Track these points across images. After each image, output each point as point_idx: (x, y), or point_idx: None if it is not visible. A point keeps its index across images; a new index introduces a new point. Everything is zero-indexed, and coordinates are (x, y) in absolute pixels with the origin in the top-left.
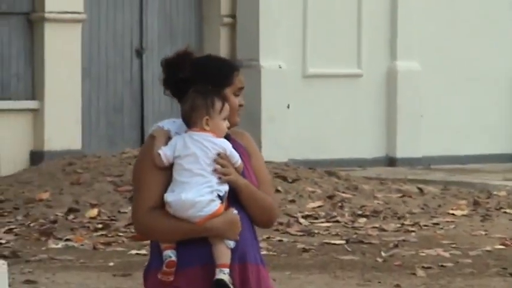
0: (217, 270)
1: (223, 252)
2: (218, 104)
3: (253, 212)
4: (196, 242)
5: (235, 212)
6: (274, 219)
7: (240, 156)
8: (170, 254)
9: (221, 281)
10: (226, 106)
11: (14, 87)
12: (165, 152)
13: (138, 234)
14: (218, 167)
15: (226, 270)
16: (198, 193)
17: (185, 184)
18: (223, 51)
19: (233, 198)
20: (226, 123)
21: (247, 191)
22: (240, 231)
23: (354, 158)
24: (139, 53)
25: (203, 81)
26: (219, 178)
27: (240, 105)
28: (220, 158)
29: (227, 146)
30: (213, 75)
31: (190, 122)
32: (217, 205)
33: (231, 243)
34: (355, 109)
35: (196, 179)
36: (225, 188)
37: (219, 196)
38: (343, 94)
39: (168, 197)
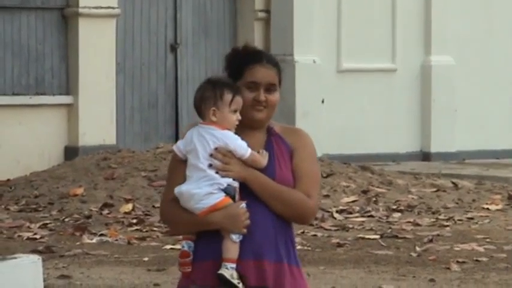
0: (222, 264)
1: (229, 246)
2: (227, 96)
3: (274, 206)
4: (211, 236)
5: (243, 205)
6: (306, 215)
7: (272, 151)
8: (184, 245)
9: (220, 275)
10: (237, 98)
11: (49, 82)
12: (178, 146)
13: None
14: (215, 161)
15: (231, 265)
16: (196, 185)
17: (190, 178)
18: (257, 46)
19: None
20: (237, 116)
21: (258, 184)
22: (257, 226)
23: (388, 152)
24: (173, 48)
25: (224, 69)
26: (217, 172)
27: (258, 101)
28: (219, 152)
29: (230, 138)
30: (227, 68)
31: (200, 113)
32: (218, 198)
33: (235, 237)
34: (389, 104)
35: (198, 173)
36: (228, 181)
37: (223, 190)
38: (377, 89)
39: (175, 189)
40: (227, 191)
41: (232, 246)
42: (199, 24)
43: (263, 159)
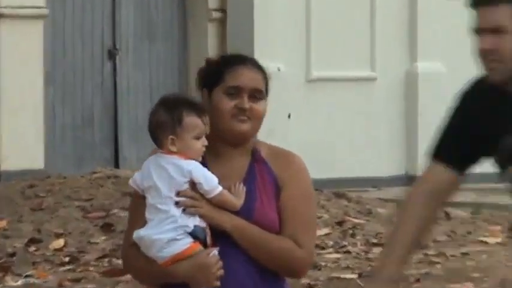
0: None
1: None
2: (188, 119)
3: (254, 256)
4: None
5: (214, 252)
6: (294, 269)
7: (254, 183)
8: None
9: None
10: (197, 122)
11: None
12: (135, 180)
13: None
14: (182, 199)
15: None
16: (157, 230)
17: (150, 221)
18: (211, 51)
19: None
20: (202, 142)
21: (232, 227)
22: (232, 277)
23: (367, 176)
24: (112, 55)
25: (199, 85)
26: (184, 211)
27: (241, 108)
28: (188, 187)
29: (196, 170)
30: (204, 74)
31: (156, 141)
32: (184, 244)
33: None
34: (368, 118)
35: (159, 215)
36: (195, 222)
37: (191, 234)
38: (355, 101)
39: (134, 234)
40: (195, 234)
41: None
42: (142, 26)
43: (237, 199)
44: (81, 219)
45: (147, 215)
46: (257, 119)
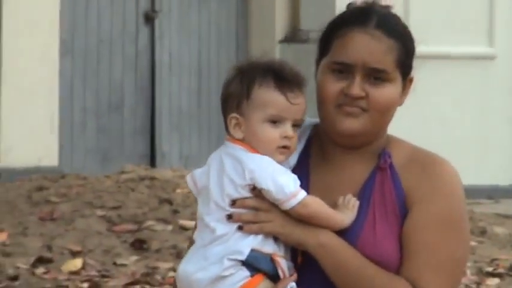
0: None
1: None
2: (259, 91)
3: None
4: None
5: (291, 286)
6: None
7: (369, 198)
8: None
9: None
10: (275, 97)
11: None
12: (194, 176)
13: None
14: (238, 210)
15: None
16: (197, 264)
17: (194, 244)
18: (280, 18)
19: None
20: (282, 131)
21: (318, 246)
22: None
23: (480, 184)
24: (149, 18)
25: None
26: (240, 228)
27: (348, 95)
28: (251, 192)
29: (260, 170)
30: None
31: (224, 122)
32: (238, 282)
33: None
34: (483, 110)
35: (203, 234)
36: (254, 244)
37: (245, 264)
38: (471, 80)
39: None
40: (252, 263)
41: None
42: None
43: (341, 214)
44: (105, 233)
45: (195, 231)
46: (378, 111)
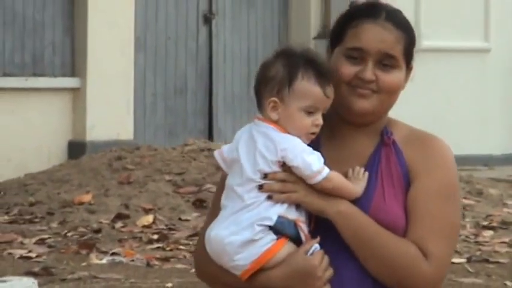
0: None
1: None
2: (302, 83)
3: (363, 261)
4: None
5: (316, 247)
6: (414, 284)
7: (377, 171)
8: None
9: None
10: (314, 91)
11: (49, 60)
12: (222, 152)
13: None
14: (269, 182)
15: None
16: (228, 229)
17: (223, 210)
18: (314, 18)
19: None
20: (313, 120)
21: (337, 214)
22: (344, 283)
23: (478, 154)
24: (207, 19)
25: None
26: (269, 197)
27: (361, 79)
28: (281, 167)
29: (292, 149)
30: (332, 29)
31: (259, 102)
32: (266, 245)
33: None
34: (481, 91)
35: (234, 202)
36: (280, 211)
37: (273, 228)
38: (468, 72)
39: (206, 232)
40: (279, 228)
41: None
42: None
43: (355, 186)
44: (172, 194)
45: (222, 199)
46: (386, 93)
